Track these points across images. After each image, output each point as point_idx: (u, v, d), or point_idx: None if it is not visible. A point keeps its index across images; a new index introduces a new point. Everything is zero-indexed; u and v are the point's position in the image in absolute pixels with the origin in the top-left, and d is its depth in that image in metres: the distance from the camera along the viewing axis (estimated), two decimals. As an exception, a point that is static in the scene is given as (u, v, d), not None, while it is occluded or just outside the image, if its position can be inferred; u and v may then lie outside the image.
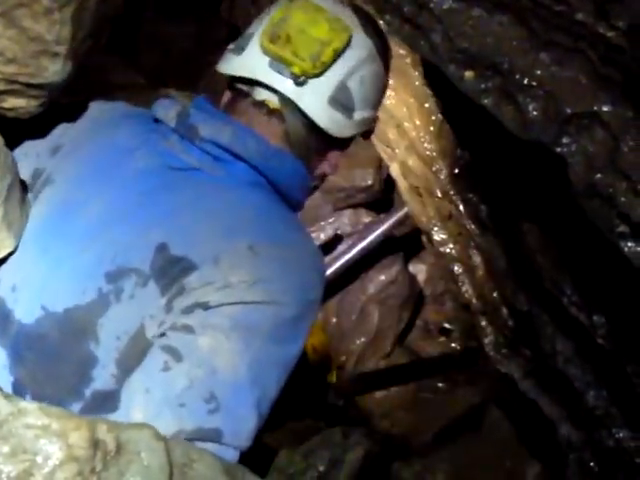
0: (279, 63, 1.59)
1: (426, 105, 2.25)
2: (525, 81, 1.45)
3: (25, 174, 1.60)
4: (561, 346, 2.01)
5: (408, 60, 2.23)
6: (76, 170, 1.57)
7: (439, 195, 2.46)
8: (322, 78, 1.58)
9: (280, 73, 1.59)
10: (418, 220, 2.84)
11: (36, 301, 1.45)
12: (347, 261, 3.40)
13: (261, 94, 1.61)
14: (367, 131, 1.74)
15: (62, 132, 1.63)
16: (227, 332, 1.30)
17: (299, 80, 1.58)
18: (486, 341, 2.45)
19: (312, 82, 1.58)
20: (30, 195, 1.60)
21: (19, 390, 1.40)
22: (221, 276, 1.34)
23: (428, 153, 2.38)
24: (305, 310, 1.39)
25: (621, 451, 1.91)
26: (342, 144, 1.69)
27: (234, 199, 1.49)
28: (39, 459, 0.96)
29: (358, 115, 1.65)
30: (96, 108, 1.67)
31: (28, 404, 0.98)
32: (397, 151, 2.75)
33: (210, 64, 2.07)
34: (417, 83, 2.24)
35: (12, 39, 1.41)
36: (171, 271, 1.37)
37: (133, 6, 1.84)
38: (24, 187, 1.71)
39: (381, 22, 1.64)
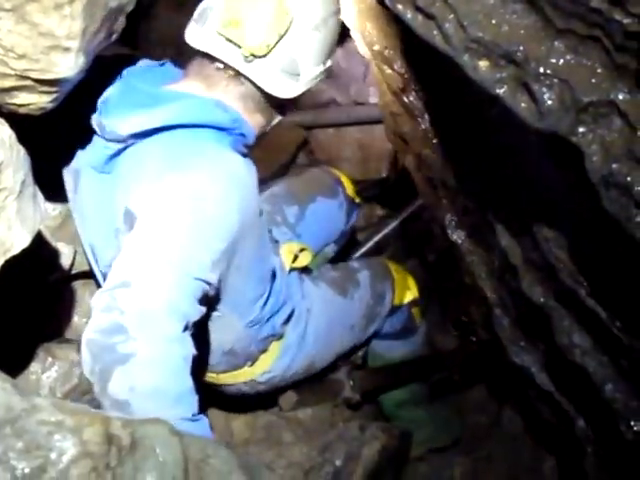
0: (231, 44, 1.97)
1: (440, 97, 2.23)
2: (540, 70, 1.43)
3: None
4: (578, 339, 1.99)
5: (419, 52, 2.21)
6: None
7: (454, 187, 2.45)
8: (268, 57, 1.99)
9: (232, 53, 1.99)
10: (433, 213, 2.82)
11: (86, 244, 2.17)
12: (362, 255, 3.39)
13: (220, 64, 2.03)
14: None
15: None
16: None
17: (248, 59, 1.98)
18: (502, 334, 2.44)
19: (261, 58, 1.98)
20: None
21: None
22: (144, 217, 1.86)
23: (442, 145, 2.36)
24: (195, 210, 1.85)
25: (640, 444, 1.90)
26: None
27: (153, 152, 1.95)
28: (53, 455, 0.95)
29: (305, 77, 2.08)
30: None
31: (42, 400, 0.98)
32: (411, 143, 2.73)
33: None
34: (430, 73, 2.23)
35: (22, 35, 1.41)
36: (129, 222, 1.91)
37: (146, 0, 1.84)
38: (36, 183, 1.71)
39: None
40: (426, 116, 2.43)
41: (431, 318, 3.54)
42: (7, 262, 1.57)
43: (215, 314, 2.08)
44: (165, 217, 1.84)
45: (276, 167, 3.55)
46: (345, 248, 3.16)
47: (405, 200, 3.48)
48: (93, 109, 2.01)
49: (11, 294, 1.90)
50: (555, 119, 1.44)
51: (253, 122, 2.11)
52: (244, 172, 2.01)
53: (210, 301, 1.91)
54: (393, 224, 3.45)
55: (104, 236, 2.06)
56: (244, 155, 2.07)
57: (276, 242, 2.48)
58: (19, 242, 1.60)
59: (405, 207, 3.46)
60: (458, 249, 2.61)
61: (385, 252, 3.54)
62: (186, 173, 1.89)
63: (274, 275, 2.27)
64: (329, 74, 2.23)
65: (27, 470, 0.95)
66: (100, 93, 2.03)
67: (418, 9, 1.58)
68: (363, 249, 3.36)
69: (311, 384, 2.72)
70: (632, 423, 1.89)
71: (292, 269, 2.45)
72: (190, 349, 1.74)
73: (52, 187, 2.06)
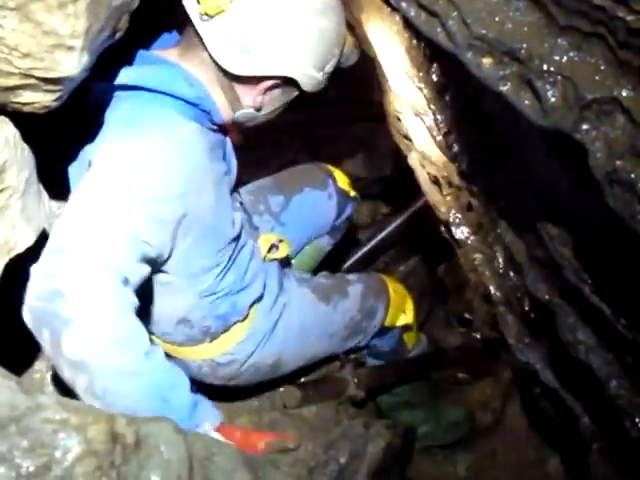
0: (196, 2, 1.98)
1: (444, 94, 2.23)
2: (544, 67, 1.43)
3: None
4: (583, 336, 1.99)
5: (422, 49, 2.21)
6: None
7: (458, 185, 2.45)
8: (222, 20, 1.96)
9: (194, 8, 1.98)
10: (437, 210, 2.82)
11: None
12: (366, 252, 3.39)
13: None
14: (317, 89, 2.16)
15: None
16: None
17: (203, 18, 1.97)
18: (507, 331, 2.43)
19: (215, 21, 1.97)
20: None
21: None
22: (91, 175, 1.87)
23: (445, 142, 2.36)
24: (136, 173, 1.86)
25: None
26: (263, 79, 2.07)
27: (118, 110, 1.98)
28: (58, 454, 0.96)
29: (257, 58, 2.00)
30: None
31: (47, 398, 0.98)
32: (415, 141, 2.73)
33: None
34: (433, 70, 2.23)
35: (26, 33, 1.41)
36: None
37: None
38: (41, 181, 1.71)
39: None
40: (430, 113, 2.43)
41: (435, 316, 3.55)
42: (11, 260, 1.57)
43: (165, 278, 2.07)
44: (106, 179, 1.85)
45: (277, 167, 3.55)
46: (348, 246, 3.16)
47: (409, 198, 3.48)
48: (97, 107, 2.01)
49: (15, 292, 1.90)
50: (559, 116, 1.44)
51: (216, 98, 2.10)
52: (197, 140, 2.03)
53: (155, 262, 1.92)
54: (397, 222, 3.45)
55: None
56: (212, 131, 2.11)
57: (256, 229, 2.50)
58: (23, 240, 1.61)
59: (409, 205, 3.46)
60: (462, 246, 2.61)
61: (389, 250, 3.54)
62: (136, 137, 1.91)
63: (239, 251, 2.26)
64: (312, 88, 2.17)
65: (32, 468, 0.95)
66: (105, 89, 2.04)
67: (422, 7, 1.58)
68: (367, 247, 3.37)
69: (315, 382, 2.72)
70: (637, 420, 1.89)
71: (270, 260, 2.45)
72: (130, 299, 1.75)
73: (57, 185, 2.06)
